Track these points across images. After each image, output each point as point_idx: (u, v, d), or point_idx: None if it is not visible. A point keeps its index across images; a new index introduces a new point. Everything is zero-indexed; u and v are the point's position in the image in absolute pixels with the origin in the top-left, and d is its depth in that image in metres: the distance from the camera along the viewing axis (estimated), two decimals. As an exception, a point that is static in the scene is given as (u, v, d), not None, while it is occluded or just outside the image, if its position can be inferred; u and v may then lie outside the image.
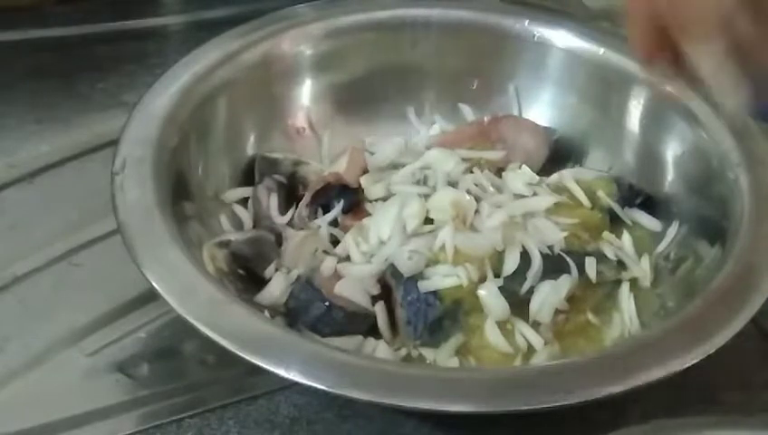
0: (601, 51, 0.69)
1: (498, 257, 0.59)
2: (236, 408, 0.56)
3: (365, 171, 0.66)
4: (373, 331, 0.57)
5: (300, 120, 0.70)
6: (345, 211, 0.64)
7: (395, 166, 0.67)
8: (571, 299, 0.58)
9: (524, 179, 0.65)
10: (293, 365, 0.47)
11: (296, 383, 0.46)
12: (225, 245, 0.59)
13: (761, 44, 0.51)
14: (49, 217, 0.66)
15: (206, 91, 0.64)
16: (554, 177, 0.66)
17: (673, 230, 0.63)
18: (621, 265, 0.62)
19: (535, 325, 0.58)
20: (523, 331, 0.57)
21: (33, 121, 0.74)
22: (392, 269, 0.58)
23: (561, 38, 0.70)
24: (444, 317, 0.57)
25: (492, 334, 0.57)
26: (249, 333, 0.48)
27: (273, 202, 0.64)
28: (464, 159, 0.66)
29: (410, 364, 0.55)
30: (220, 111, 0.65)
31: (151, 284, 0.50)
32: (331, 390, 0.46)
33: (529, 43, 0.71)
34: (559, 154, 0.70)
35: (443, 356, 0.56)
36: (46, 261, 0.63)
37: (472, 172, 0.65)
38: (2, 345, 0.58)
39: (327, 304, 0.56)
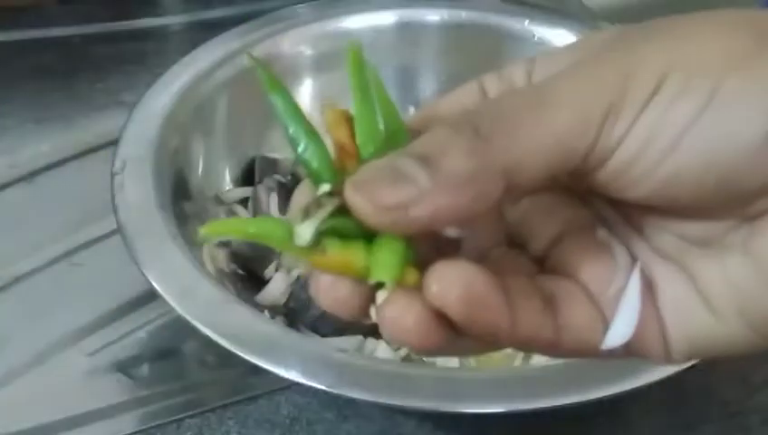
0: (601, 51, 0.69)
1: (498, 257, 0.59)
2: (236, 408, 0.56)
3: (365, 171, 0.66)
4: (373, 331, 0.57)
5: (300, 120, 0.70)
6: (345, 211, 0.64)
7: (395, 166, 0.67)
8: (571, 299, 0.58)
9: (524, 179, 0.65)
10: (293, 365, 0.47)
11: (296, 383, 0.46)
12: (225, 245, 0.59)
13: None
14: (49, 217, 0.66)
15: (206, 91, 0.64)
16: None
17: (673, 230, 0.63)
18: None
19: (535, 325, 0.57)
20: (523, 331, 0.57)
21: (33, 121, 0.74)
22: (392, 269, 0.58)
23: (561, 38, 0.70)
24: (444, 317, 0.57)
25: (492, 334, 0.57)
26: (249, 333, 0.48)
27: (273, 202, 0.64)
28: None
29: (410, 364, 0.55)
30: (220, 111, 0.65)
31: (151, 284, 0.50)
32: (331, 390, 0.46)
33: (529, 43, 0.71)
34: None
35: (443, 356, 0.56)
36: (46, 261, 0.63)
37: (472, 172, 0.65)
38: (2, 345, 0.58)
39: (327, 304, 0.56)
